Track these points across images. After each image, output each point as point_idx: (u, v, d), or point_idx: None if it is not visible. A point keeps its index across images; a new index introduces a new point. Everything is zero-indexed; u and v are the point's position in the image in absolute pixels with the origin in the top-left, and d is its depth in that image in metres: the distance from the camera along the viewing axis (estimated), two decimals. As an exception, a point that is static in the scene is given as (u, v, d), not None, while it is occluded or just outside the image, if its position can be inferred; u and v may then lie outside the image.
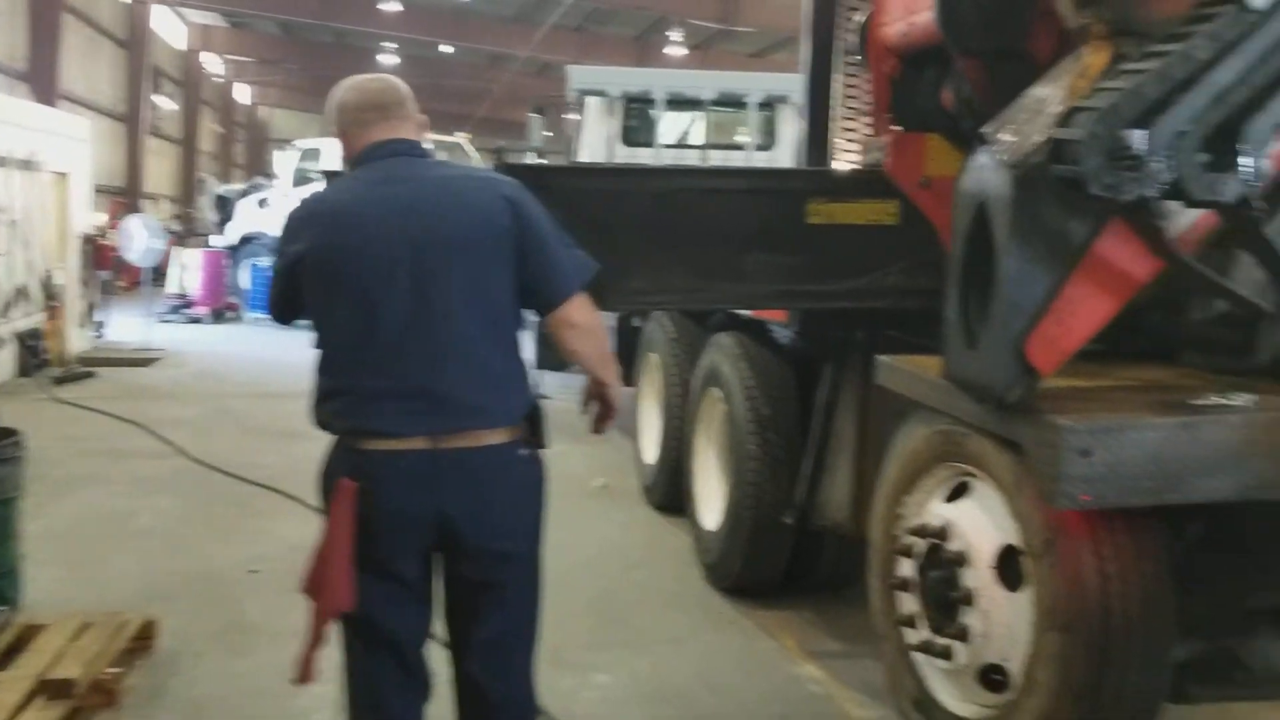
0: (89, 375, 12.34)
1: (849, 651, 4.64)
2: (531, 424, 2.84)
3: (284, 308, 2.89)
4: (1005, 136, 2.71)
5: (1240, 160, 2.50)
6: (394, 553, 2.75)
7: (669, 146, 11.82)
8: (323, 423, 2.81)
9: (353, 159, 2.79)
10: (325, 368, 2.80)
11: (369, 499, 2.69)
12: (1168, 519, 3.32)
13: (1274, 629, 3.28)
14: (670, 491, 6.47)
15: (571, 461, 8.51)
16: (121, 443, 8.87)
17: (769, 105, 11.34)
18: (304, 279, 2.75)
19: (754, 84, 11.36)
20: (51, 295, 12.73)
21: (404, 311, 2.67)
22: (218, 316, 17.82)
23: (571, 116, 12.35)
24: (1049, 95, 2.69)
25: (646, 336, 7.22)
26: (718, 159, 11.23)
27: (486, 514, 2.75)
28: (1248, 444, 2.66)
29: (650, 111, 11.65)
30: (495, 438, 2.73)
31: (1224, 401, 2.70)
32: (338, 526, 2.68)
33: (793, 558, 5.10)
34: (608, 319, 9.05)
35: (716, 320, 5.78)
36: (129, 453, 8.50)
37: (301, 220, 2.79)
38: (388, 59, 33.01)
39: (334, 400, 2.77)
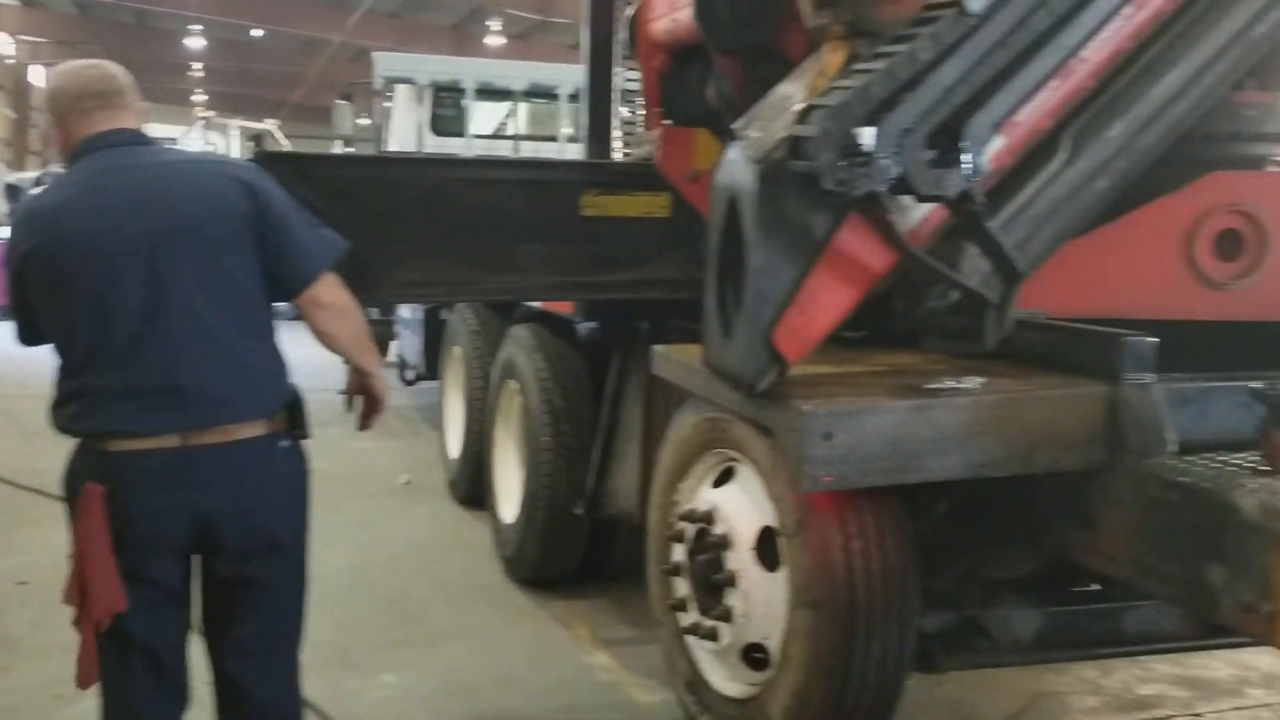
0: None
1: (640, 638, 4.70)
2: (291, 415, 2.77)
3: (25, 326, 2.74)
4: (752, 133, 2.79)
5: (962, 157, 2.64)
6: (147, 557, 2.65)
7: (481, 137, 11.73)
8: (62, 427, 2.68)
9: (72, 151, 2.64)
10: (63, 371, 2.67)
11: (117, 502, 2.58)
12: (914, 498, 3.51)
13: (1014, 598, 3.50)
14: (473, 486, 6.42)
15: (379, 458, 8.38)
16: None
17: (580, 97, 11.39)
18: (30, 282, 2.61)
19: (566, 76, 11.36)
20: None
21: (140, 306, 2.56)
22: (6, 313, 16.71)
23: (385, 104, 12.14)
24: (792, 93, 2.78)
25: (450, 329, 7.15)
26: (529, 150, 11.20)
27: (245, 510, 2.67)
28: (975, 424, 2.81)
29: (462, 101, 11.54)
30: (251, 430, 2.66)
31: (955, 385, 2.84)
32: (90, 532, 2.57)
33: (590, 547, 5.14)
34: (414, 313, 9.02)
35: (518, 313, 5.77)
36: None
37: (24, 221, 2.65)
38: (194, 42, 31.61)
39: (73, 403, 2.65)
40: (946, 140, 2.65)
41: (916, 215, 2.84)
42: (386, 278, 3.57)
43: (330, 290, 2.72)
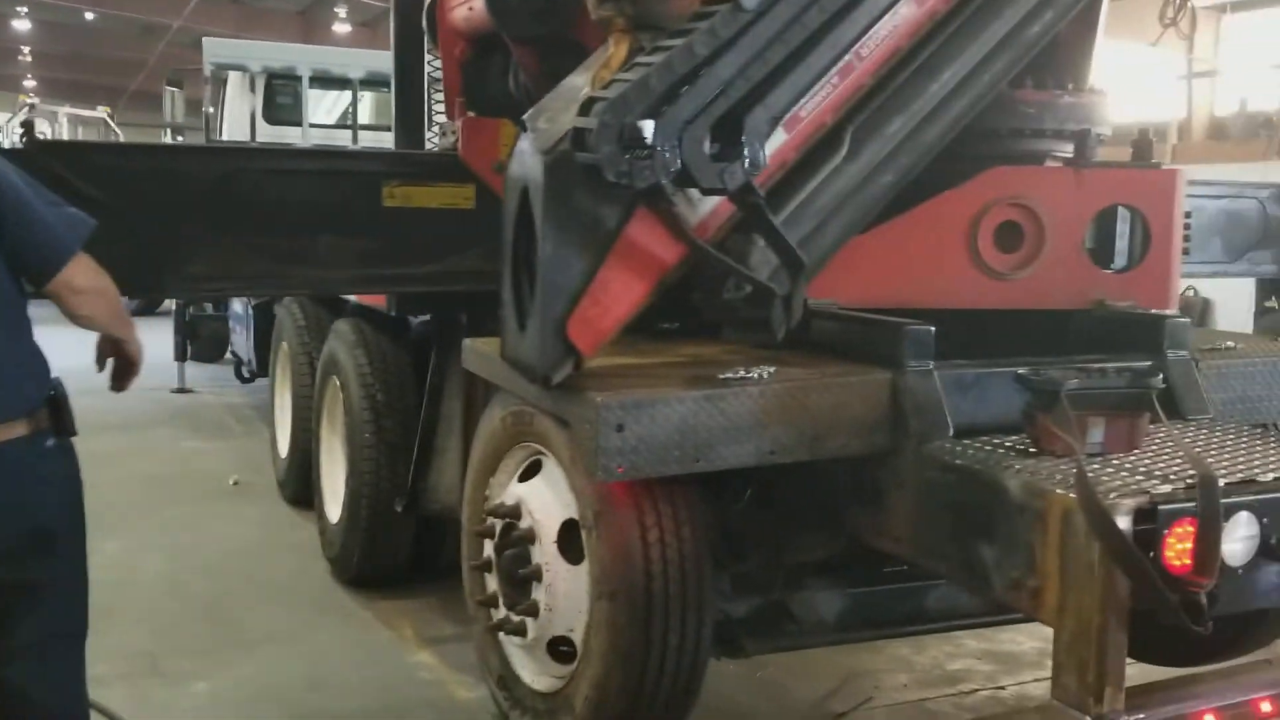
0: None
1: (465, 635, 4.63)
2: (55, 412, 2.64)
3: None
4: (540, 124, 2.78)
5: (744, 151, 2.69)
6: None
7: (319, 126, 11.44)
8: None
9: None
10: None
11: None
12: (718, 485, 3.57)
13: (817, 580, 3.60)
14: (303, 485, 6.26)
15: (209, 459, 8.12)
16: None
17: (419, 86, 11.19)
18: None
19: (405, 64, 11.15)
20: None
21: None
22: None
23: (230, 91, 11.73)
24: (580, 84, 2.78)
25: (278, 324, 6.95)
26: (371, 140, 10.98)
27: (13, 512, 2.54)
28: (764, 413, 2.87)
29: (299, 89, 11.24)
30: (13, 431, 2.52)
31: (746, 375, 2.90)
32: None
33: (418, 545, 5.08)
34: (246, 309, 8.75)
35: (347, 307, 5.65)
36: None
37: None
38: (20, 24, 29.93)
39: None
40: (728, 134, 2.69)
41: (705, 208, 2.88)
42: (176, 272, 3.44)
43: (84, 273, 2.56)
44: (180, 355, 11.19)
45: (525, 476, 3.37)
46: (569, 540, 3.13)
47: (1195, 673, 2.87)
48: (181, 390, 11.10)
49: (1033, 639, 4.74)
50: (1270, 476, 2.63)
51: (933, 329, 3.09)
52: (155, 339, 11.56)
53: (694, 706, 3.12)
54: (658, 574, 2.92)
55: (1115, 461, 2.75)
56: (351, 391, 5.03)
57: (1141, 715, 2.51)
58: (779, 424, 2.90)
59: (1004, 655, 4.61)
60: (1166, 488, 2.51)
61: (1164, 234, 3.64)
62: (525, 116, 2.86)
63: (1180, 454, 2.67)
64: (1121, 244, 3.71)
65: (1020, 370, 2.85)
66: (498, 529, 3.34)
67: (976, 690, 4.37)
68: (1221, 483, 2.54)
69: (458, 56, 3.89)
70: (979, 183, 3.50)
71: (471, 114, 3.73)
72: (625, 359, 3.22)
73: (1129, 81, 20.78)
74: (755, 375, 2.91)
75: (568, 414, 2.88)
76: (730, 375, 2.91)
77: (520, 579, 3.22)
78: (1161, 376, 2.88)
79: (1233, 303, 10.78)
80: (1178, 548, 2.49)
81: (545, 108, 2.84)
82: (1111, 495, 2.45)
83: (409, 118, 4.42)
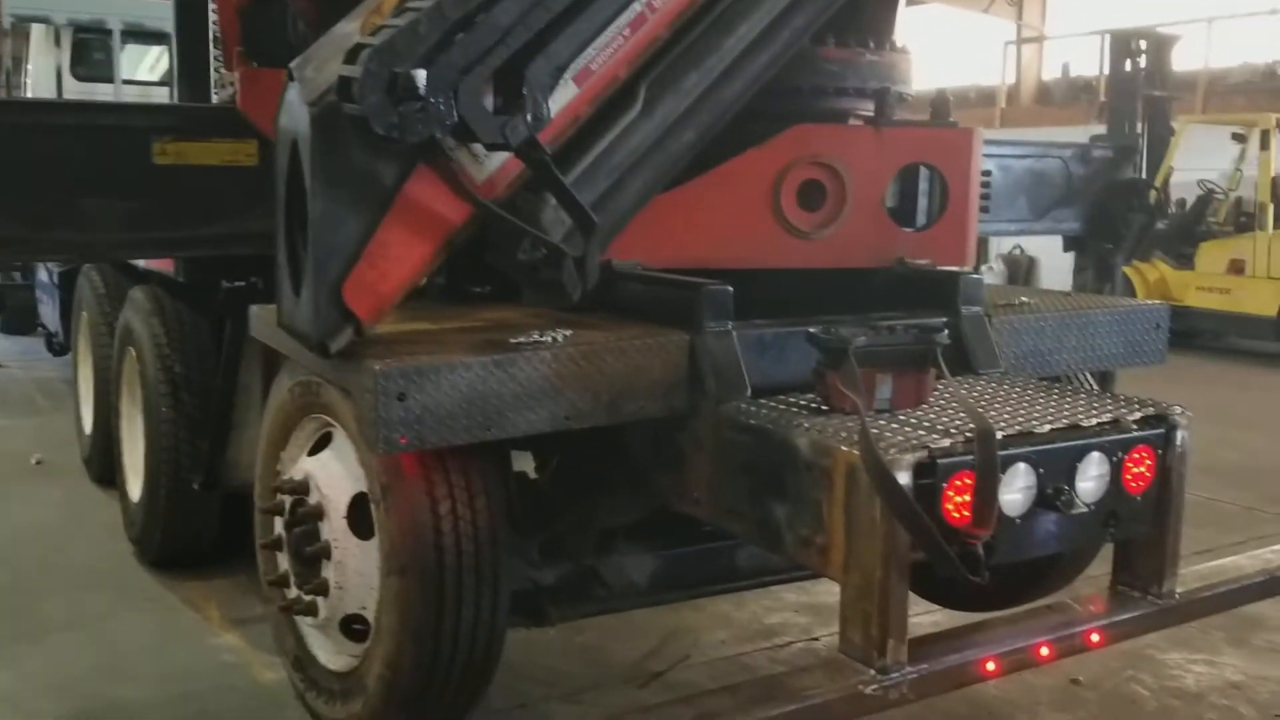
0: None
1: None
2: None
3: None
4: (308, 73, 2.62)
5: (526, 103, 2.58)
6: None
7: (133, 83, 10.83)
8: None
9: None
10: None
11: None
12: (535, 451, 3.49)
13: (628, 545, 3.56)
14: (107, 463, 5.91)
15: (12, 437, 7.63)
16: None
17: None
18: None
19: (224, 18, 10.61)
20: None
21: None
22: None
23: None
24: (350, 30, 2.63)
25: (78, 292, 6.53)
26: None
27: None
28: (558, 377, 2.79)
29: (110, 43, 10.60)
30: None
31: (537, 339, 2.81)
32: None
33: (223, 523, 4.85)
34: (51, 276, 8.20)
35: (145, 274, 5.32)
36: None
37: None
38: None
39: None
40: (510, 86, 2.58)
41: (492, 165, 2.76)
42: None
43: None
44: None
45: (316, 450, 3.21)
46: (359, 515, 2.99)
47: (980, 620, 2.94)
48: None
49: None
50: (1047, 428, 2.69)
51: (730, 289, 3.05)
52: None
53: (492, 679, 3.04)
54: (449, 547, 2.82)
55: (902, 417, 2.77)
56: (148, 363, 4.74)
57: (924, 665, 2.55)
58: (574, 389, 2.83)
59: (820, 607, 4.68)
60: (946, 442, 2.53)
61: (961, 192, 3.70)
62: (293, 65, 2.68)
63: (962, 408, 2.70)
64: (921, 202, 3.75)
65: (811, 329, 2.84)
66: (287, 505, 3.18)
67: (792, 643, 4.43)
68: (999, 435, 2.59)
69: (235, 4, 3.65)
70: (781, 141, 3.48)
71: (251, 64, 3.50)
72: (419, 324, 3.10)
73: (961, 47, 21.48)
74: (548, 339, 2.82)
75: (349, 384, 2.75)
76: (523, 340, 2.81)
77: (309, 557, 3.07)
78: (947, 332, 2.91)
79: (1056, 261, 11.24)
80: (957, 500, 2.52)
81: (313, 56, 2.67)
82: (892, 450, 2.46)
83: (192, 70, 4.14)
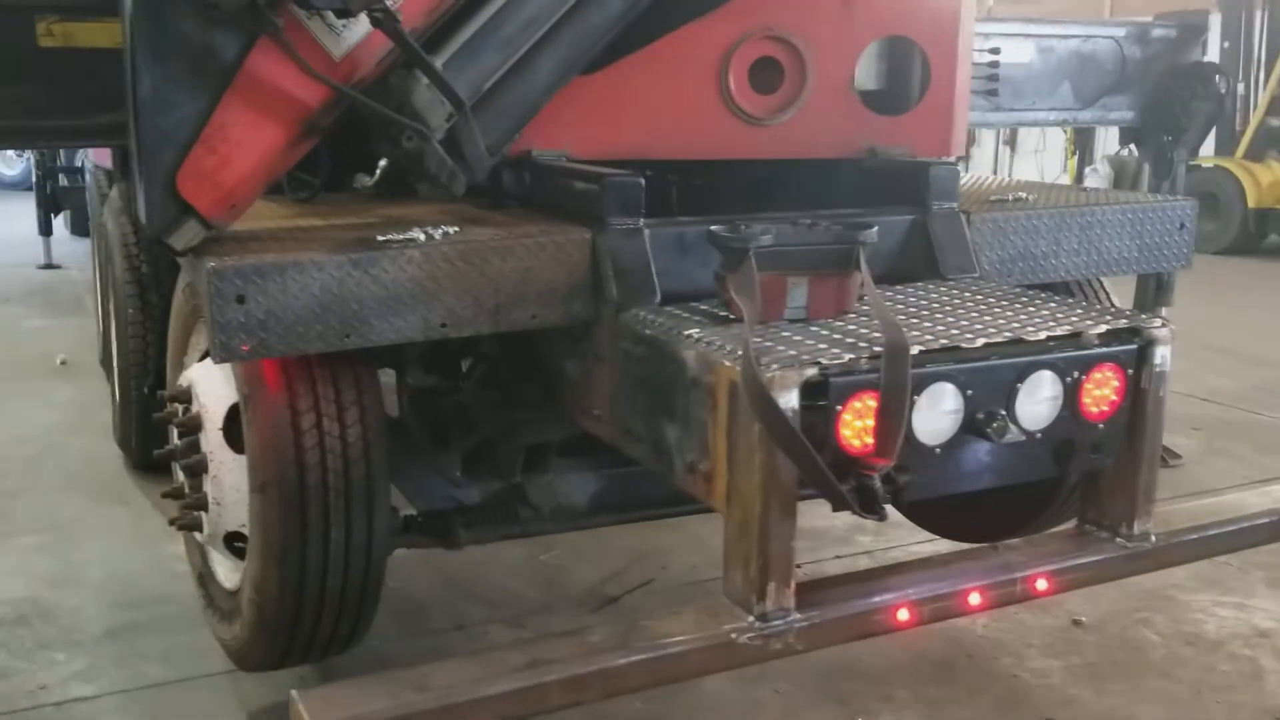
0: None
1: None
2: None
3: None
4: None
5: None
6: None
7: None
8: None
9: None
10: None
11: None
12: (441, 362, 3.21)
13: (566, 463, 3.29)
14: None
15: (49, 338, 7.70)
16: None
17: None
18: None
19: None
20: None
21: None
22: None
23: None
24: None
25: (89, 192, 6.45)
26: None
27: None
28: (430, 279, 2.49)
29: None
30: None
31: (408, 236, 2.50)
32: None
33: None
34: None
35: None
36: None
37: None
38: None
39: None
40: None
41: (352, 37, 2.43)
42: None
43: None
44: (44, 229, 10.61)
45: (204, 356, 2.98)
46: (235, 428, 2.76)
47: (894, 564, 2.58)
48: (48, 266, 10.58)
49: (845, 517, 4.50)
50: (981, 343, 2.29)
51: (640, 180, 2.69)
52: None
53: (374, 608, 2.80)
54: (312, 464, 2.56)
55: (815, 328, 2.40)
56: (116, 263, 4.60)
57: (816, 613, 2.22)
58: (450, 292, 2.52)
59: (811, 531, 4.35)
60: (846, 356, 2.16)
61: (945, 71, 3.24)
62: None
63: (879, 317, 2.31)
64: (900, 83, 3.30)
65: (713, 226, 2.47)
66: (179, 413, 2.97)
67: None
68: (916, 350, 2.22)
69: None
70: (728, 11, 3.05)
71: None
72: (303, 220, 2.83)
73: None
74: (419, 236, 2.51)
75: (196, 284, 2.49)
76: (392, 237, 2.51)
77: (191, 469, 2.86)
78: (877, 230, 2.50)
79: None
80: (856, 425, 2.17)
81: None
82: (775, 366, 2.10)
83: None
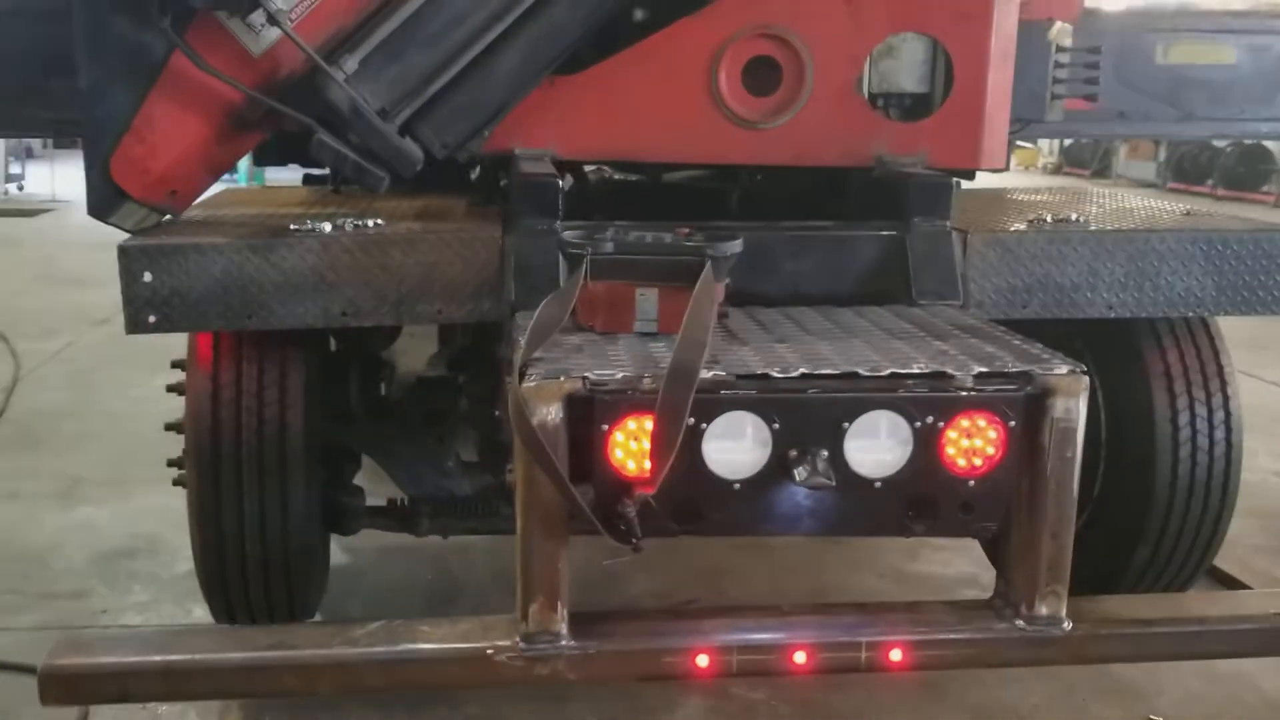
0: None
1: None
2: None
3: None
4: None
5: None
6: None
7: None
8: None
9: None
10: None
11: None
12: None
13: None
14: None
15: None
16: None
17: None
18: None
19: None
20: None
21: None
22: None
23: None
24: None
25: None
26: None
27: None
28: (330, 269, 2.57)
29: None
30: None
31: (312, 226, 2.60)
32: None
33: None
34: None
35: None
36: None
37: None
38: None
39: None
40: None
41: (270, 36, 2.57)
42: None
43: None
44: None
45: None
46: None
47: (720, 607, 2.33)
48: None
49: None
50: (799, 373, 2.04)
51: (558, 180, 2.63)
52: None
53: (317, 583, 2.93)
54: (229, 437, 2.74)
55: (655, 343, 2.23)
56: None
57: (593, 643, 2.09)
58: (350, 283, 2.59)
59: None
60: (621, 374, 2.01)
61: (974, 71, 2.86)
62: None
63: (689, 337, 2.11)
64: (921, 85, 2.96)
65: (567, 233, 2.37)
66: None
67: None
68: (714, 374, 2.02)
69: None
70: (720, 7, 2.89)
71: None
72: (299, 209, 3.02)
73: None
74: (326, 228, 2.61)
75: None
76: (299, 226, 2.63)
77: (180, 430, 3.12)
78: (741, 242, 2.28)
79: None
80: (631, 447, 2.01)
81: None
82: (534, 377, 2.00)
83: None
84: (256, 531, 2.79)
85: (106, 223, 2.68)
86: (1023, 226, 2.81)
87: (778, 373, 2.03)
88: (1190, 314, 2.88)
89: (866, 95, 2.96)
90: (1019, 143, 22.34)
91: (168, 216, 2.77)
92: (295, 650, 2.05)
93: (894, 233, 2.71)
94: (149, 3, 2.42)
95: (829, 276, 2.73)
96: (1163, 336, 3.05)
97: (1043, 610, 2.15)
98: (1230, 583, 3.89)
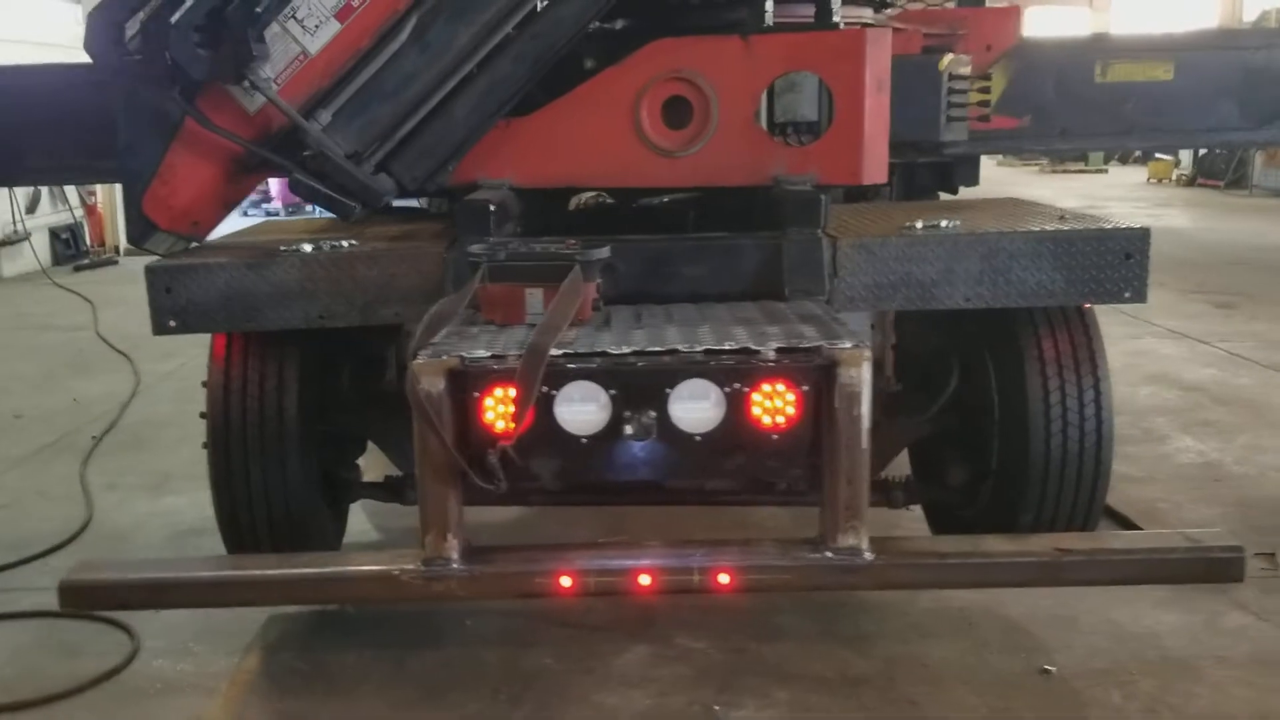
0: (111, 263, 14.10)
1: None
2: None
3: None
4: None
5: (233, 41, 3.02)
6: None
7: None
8: None
9: None
10: None
11: None
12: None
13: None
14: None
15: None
16: (60, 318, 10.33)
17: None
18: None
19: None
20: (90, 192, 14.62)
21: None
22: (293, 210, 19.16)
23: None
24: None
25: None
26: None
27: None
28: (309, 280, 3.21)
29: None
30: None
31: (300, 247, 3.25)
32: None
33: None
34: None
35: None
36: (52, 326, 9.98)
37: None
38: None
39: None
40: (220, 27, 3.04)
41: (260, 97, 3.23)
42: None
43: None
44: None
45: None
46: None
47: (585, 542, 2.84)
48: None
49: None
50: (628, 350, 2.57)
51: (491, 204, 3.22)
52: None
53: (328, 541, 3.56)
54: (236, 420, 3.40)
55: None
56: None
57: (478, 567, 2.64)
58: (326, 292, 3.24)
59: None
60: (488, 352, 2.57)
61: (851, 102, 3.34)
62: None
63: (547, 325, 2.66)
64: (811, 113, 3.46)
65: (472, 245, 2.95)
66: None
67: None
68: (566, 350, 2.57)
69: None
70: (638, 58, 3.45)
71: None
72: (299, 234, 3.68)
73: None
74: (307, 248, 3.25)
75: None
76: (286, 248, 3.28)
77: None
78: (609, 249, 2.82)
79: None
80: (500, 410, 2.57)
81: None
82: (424, 355, 2.58)
83: None
84: (261, 498, 3.45)
85: (143, 249, 3.38)
86: (889, 232, 3.27)
87: (613, 349, 2.57)
88: (1042, 304, 3.28)
89: (769, 125, 3.46)
90: (1157, 155, 21.67)
91: (195, 244, 3.46)
92: (248, 570, 2.68)
93: (773, 240, 3.21)
94: (163, 75, 3.09)
95: (721, 278, 3.24)
96: (1039, 325, 3.44)
97: (847, 543, 2.62)
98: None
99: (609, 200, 4.45)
